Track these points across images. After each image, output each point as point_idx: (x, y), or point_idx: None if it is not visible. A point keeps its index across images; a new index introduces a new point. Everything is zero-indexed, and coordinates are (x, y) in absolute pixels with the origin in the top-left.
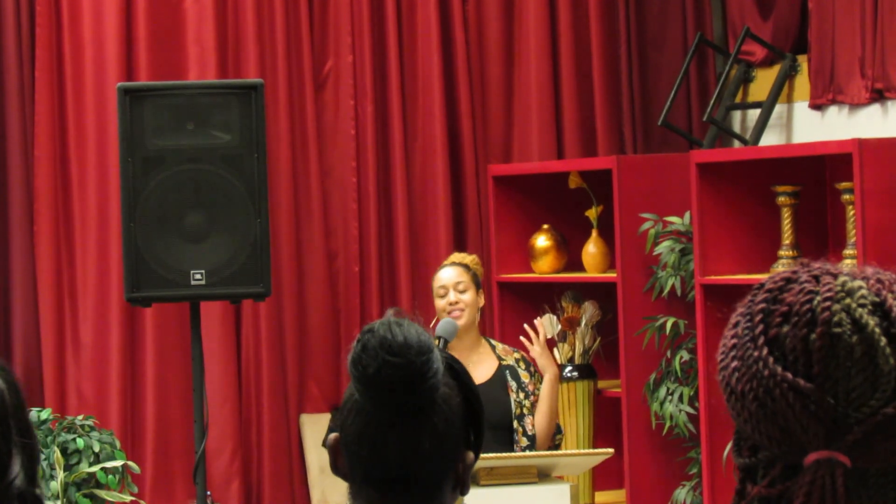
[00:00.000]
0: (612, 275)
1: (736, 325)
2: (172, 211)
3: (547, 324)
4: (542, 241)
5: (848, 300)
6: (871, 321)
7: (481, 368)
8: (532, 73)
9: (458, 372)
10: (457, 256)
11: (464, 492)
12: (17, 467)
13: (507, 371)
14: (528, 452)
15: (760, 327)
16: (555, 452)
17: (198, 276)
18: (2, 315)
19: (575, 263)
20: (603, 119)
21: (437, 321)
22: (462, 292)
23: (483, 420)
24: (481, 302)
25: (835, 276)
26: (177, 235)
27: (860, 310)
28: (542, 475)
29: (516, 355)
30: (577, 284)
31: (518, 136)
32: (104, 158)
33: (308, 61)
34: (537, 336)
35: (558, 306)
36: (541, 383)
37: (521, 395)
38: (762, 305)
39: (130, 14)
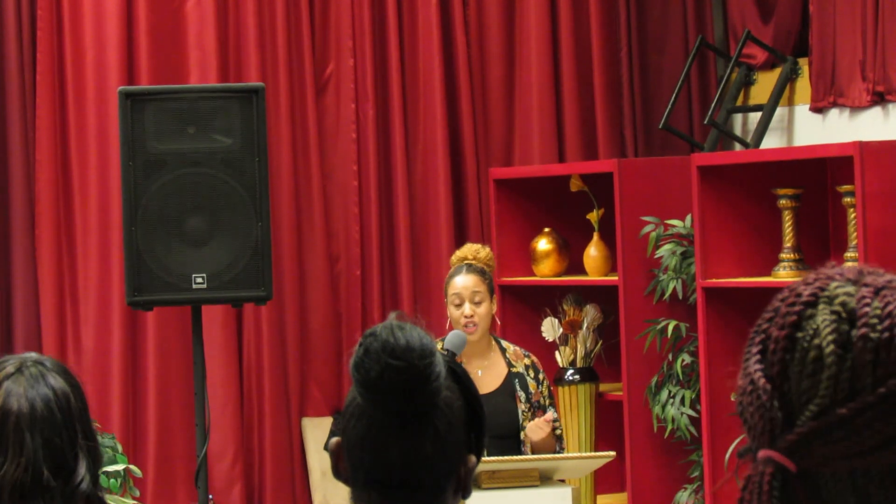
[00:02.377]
0: (613, 278)
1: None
2: (174, 214)
3: (548, 327)
4: (543, 244)
5: (822, 306)
6: (829, 328)
7: (490, 376)
8: (533, 77)
9: (459, 375)
10: (470, 251)
11: (466, 495)
12: (83, 470)
13: (516, 380)
14: (530, 455)
15: (762, 325)
16: (556, 455)
17: (199, 280)
18: (3, 318)
19: (576, 267)
20: (604, 122)
21: (450, 326)
22: (478, 304)
23: (485, 423)
24: (495, 309)
25: (830, 280)
26: (178, 239)
27: (827, 316)
28: (544, 478)
29: (527, 361)
30: (578, 287)
31: (519, 140)
32: (105, 162)
33: (309, 65)
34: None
35: (560, 309)
36: (547, 391)
37: (528, 406)
38: (776, 303)
39: (131, 18)
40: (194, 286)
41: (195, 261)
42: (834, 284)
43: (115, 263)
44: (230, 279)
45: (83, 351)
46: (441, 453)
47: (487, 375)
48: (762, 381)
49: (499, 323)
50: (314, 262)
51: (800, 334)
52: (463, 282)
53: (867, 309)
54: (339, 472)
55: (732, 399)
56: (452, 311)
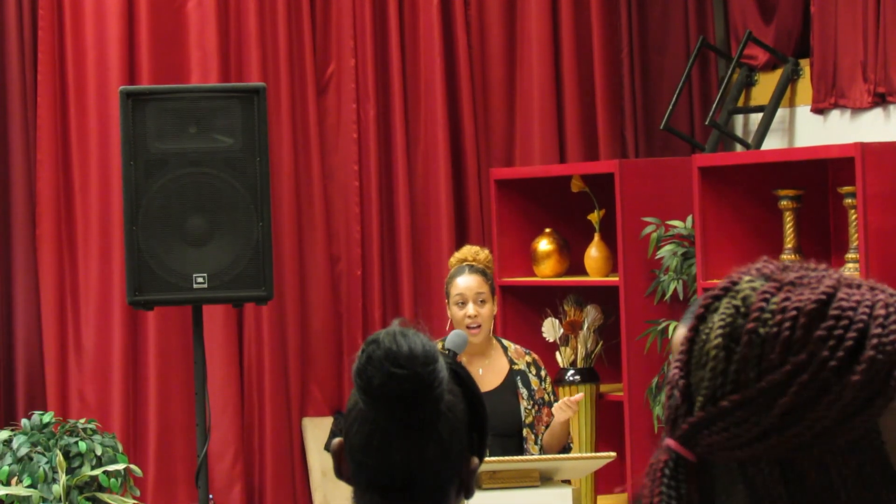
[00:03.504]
0: (614, 278)
1: None
2: (175, 214)
3: (549, 328)
4: (544, 244)
5: (725, 300)
6: (721, 322)
7: (492, 374)
8: (534, 77)
9: (462, 378)
10: (470, 252)
11: (468, 496)
12: None
13: (518, 377)
14: (530, 456)
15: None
16: (557, 456)
17: (200, 280)
18: (4, 318)
19: (577, 267)
20: (605, 123)
21: (451, 326)
22: (482, 304)
23: (487, 425)
24: (496, 309)
25: (744, 275)
26: (179, 239)
27: (725, 311)
28: (545, 479)
29: (528, 358)
30: (579, 288)
31: (520, 140)
32: (106, 162)
33: (310, 65)
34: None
35: (560, 310)
36: (551, 387)
37: (531, 403)
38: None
39: (133, 18)
40: (195, 286)
41: (196, 260)
42: (746, 279)
43: (116, 263)
44: (231, 279)
45: (84, 350)
46: (444, 457)
47: (489, 373)
48: (674, 371)
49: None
50: (315, 262)
51: (701, 326)
52: (466, 282)
53: (762, 304)
54: (341, 473)
55: None
56: (455, 312)
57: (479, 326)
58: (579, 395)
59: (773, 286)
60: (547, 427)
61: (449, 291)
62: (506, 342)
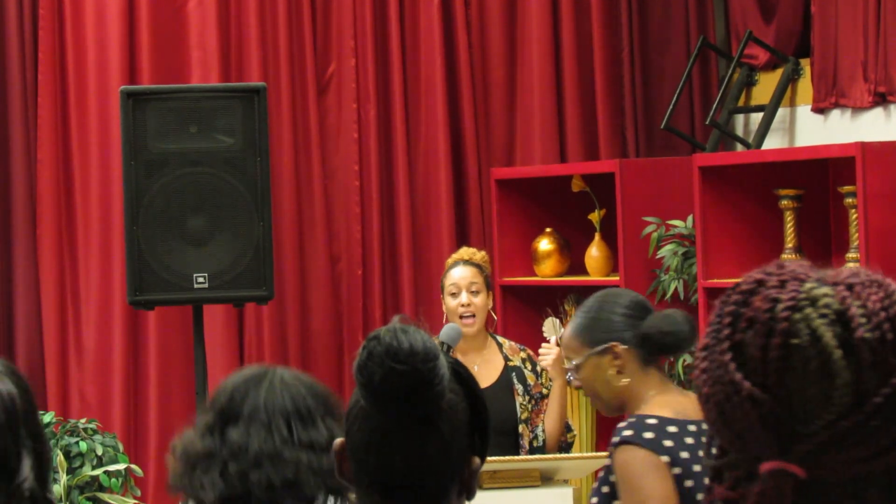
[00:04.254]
0: (614, 278)
1: (710, 324)
2: (175, 214)
3: (550, 327)
4: (544, 244)
5: (809, 309)
6: (828, 333)
7: (487, 371)
8: (535, 77)
9: (463, 377)
10: (466, 252)
11: (469, 497)
12: (27, 470)
13: (514, 373)
14: (531, 456)
15: (727, 331)
16: (557, 456)
17: (200, 280)
18: (5, 318)
19: (578, 267)
20: (605, 122)
21: (446, 320)
22: (475, 293)
23: (489, 425)
24: (490, 304)
25: (802, 282)
26: (180, 239)
27: (819, 320)
28: (545, 478)
29: (523, 354)
30: (579, 288)
31: (521, 140)
32: (107, 162)
33: (311, 65)
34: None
35: (561, 310)
36: (547, 381)
37: (527, 399)
38: (732, 308)
39: (133, 17)
40: (196, 286)
41: (196, 260)
42: (808, 286)
43: (117, 263)
44: (231, 279)
45: (84, 350)
46: (445, 456)
47: (484, 370)
48: (756, 391)
49: (495, 318)
50: (315, 261)
51: (795, 340)
52: (460, 273)
53: (855, 310)
54: (342, 473)
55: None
56: (449, 302)
57: (472, 316)
58: (554, 338)
59: (843, 290)
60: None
61: (443, 284)
62: (500, 339)
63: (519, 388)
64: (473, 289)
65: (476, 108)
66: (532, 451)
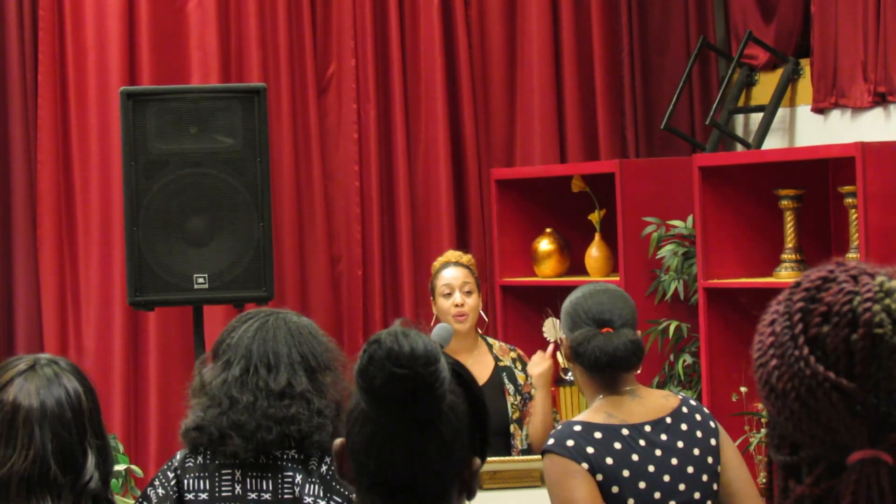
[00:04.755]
0: (614, 278)
1: (773, 322)
2: (175, 215)
3: (550, 328)
4: (544, 244)
5: (888, 300)
6: None
7: (478, 371)
8: (535, 77)
9: (464, 379)
10: (453, 255)
11: (470, 497)
12: (91, 467)
13: (504, 373)
14: (531, 456)
15: (800, 326)
16: None
17: (201, 280)
18: (5, 319)
19: (578, 267)
20: (605, 123)
21: (436, 321)
22: (468, 294)
23: (489, 426)
24: (481, 305)
25: (872, 276)
26: (180, 239)
27: None
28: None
29: (513, 354)
30: None
31: (521, 140)
32: (107, 162)
33: (311, 65)
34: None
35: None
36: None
37: (518, 399)
38: (801, 304)
39: (133, 18)
40: (196, 286)
41: (197, 261)
42: (880, 279)
43: (117, 263)
44: (231, 279)
45: (84, 351)
46: (446, 458)
47: (475, 370)
48: (843, 381)
49: (486, 320)
50: (316, 262)
51: (879, 331)
52: (452, 273)
53: None
54: (343, 474)
55: (734, 399)
56: (442, 303)
57: (465, 315)
58: (550, 347)
59: None
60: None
61: (435, 285)
62: (490, 339)
63: (510, 387)
64: (466, 289)
65: (476, 109)
66: (524, 451)
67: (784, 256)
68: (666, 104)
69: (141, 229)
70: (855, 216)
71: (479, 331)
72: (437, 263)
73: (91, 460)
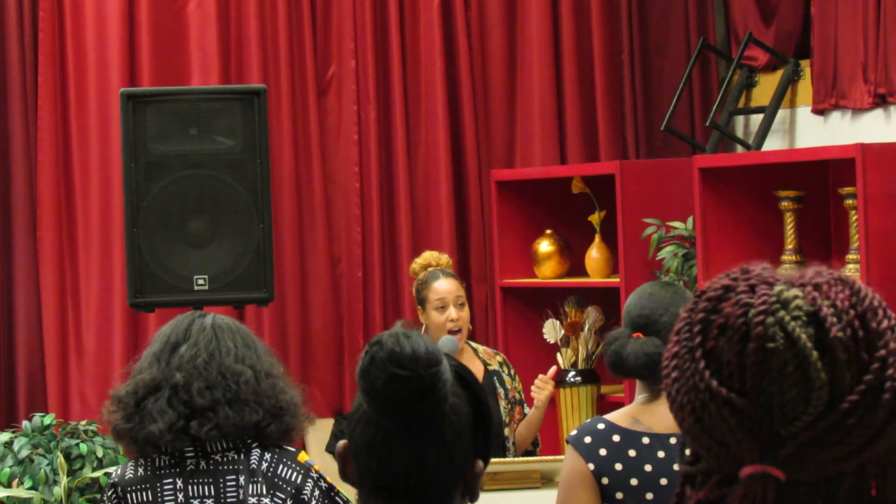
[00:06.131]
0: (615, 280)
1: (678, 332)
2: (175, 216)
3: (550, 329)
4: (545, 246)
5: (782, 312)
6: (804, 335)
7: None
8: (535, 79)
9: (467, 381)
10: (432, 257)
11: (473, 499)
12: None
13: (495, 377)
14: (531, 458)
15: (698, 339)
16: (558, 457)
17: (201, 282)
18: (5, 320)
19: (578, 268)
20: (606, 124)
21: (425, 331)
22: (461, 306)
23: (492, 428)
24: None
25: (771, 286)
26: (180, 241)
27: (793, 322)
28: (546, 480)
29: (499, 358)
30: (580, 289)
31: (521, 142)
32: (107, 164)
33: (311, 66)
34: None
35: (561, 311)
36: (520, 387)
37: (506, 402)
38: (701, 315)
39: (133, 19)
40: (196, 288)
41: (197, 262)
42: (778, 289)
43: (117, 265)
44: (232, 281)
45: (84, 352)
46: (448, 460)
47: None
48: (734, 396)
49: (471, 328)
50: (316, 263)
51: (771, 345)
52: (446, 286)
53: (826, 310)
54: (346, 476)
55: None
56: (436, 316)
57: (460, 330)
58: (552, 370)
59: (811, 290)
60: (518, 425)
61: (426, 297)
62: (474, 344)
63: (501, 391)
64: (460, 302)
65: (476, 110)
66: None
67: (784, 258)
68: (666, 105)
69: (141, 230)
70: (855, 217)
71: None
72: (418, 268)
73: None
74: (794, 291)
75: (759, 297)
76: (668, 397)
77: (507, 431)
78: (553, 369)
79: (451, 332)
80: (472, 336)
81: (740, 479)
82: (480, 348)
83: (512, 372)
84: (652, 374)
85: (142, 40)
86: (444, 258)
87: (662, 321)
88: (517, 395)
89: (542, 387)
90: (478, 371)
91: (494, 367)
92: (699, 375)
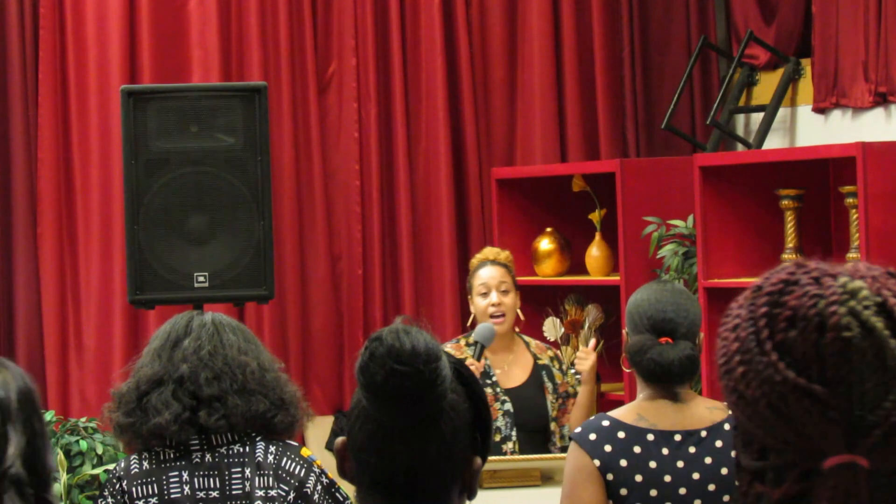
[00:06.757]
0: (615, 278)
1: (735, 328)
2: (176, 213)
3: (550, 327)
4: (545, 244)
5: (853, 302)
6: (879, 323)
7: (517, 369)
8: (535, 76)
9: (465, 378)
10: (491, 252)
11: (471, 496)
12: (14, 456)
13: (543, 371)
14: (530, 455)
15: (766, 332)
16: (558, 455)
17: (201, 279)
18: (5, 317)
19: (578, 266)
20: (606, 122)
21: (474, 320)
22: (505, 293)
23: (491, 425)
24: (519, 303)
25: (834, 277)
26: (180, 238)
27: (866, 312)
28: (545, 478)
29: (550, 353)
30: (580, 287)
31: (521, 139)
32: (107, 161)
33: (311, 64)
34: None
35: (561, 309)
36: (574, 380)
37: (555, 397)
38: (764, 309)
39: (134, 16)
40: (196, 285)
41: (197, 259)
42: (843, 280)
43: (117, 262)
44: (232, 278)
45: (84, 349)
46: (446, 456)
47: (515, 369)
48: (816, 387)
49: (522, 318)
50: (316, 261)
51: (847, 334)
52: (490, 272)
53: (892, 299)
54: (344, 472)
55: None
56: (479, 302)
57: (503, 315)
58: (592, 342)
59: (871, 281)
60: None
61: (472, 284)
62: (527, 338)
63: (549, 386)
64: (503, 288)
65: (477, 108)
66: (563, 449)
67: (784, 256)
68: (667, 104)
69: (141, 228)
70: (855, 216)
71: (517, 329)
72: (474, 261)
73: (14, 449)
74: (859, 282)
75: (828, 289)
76: (733, 393)
77: (552, 426)
78: (593, 341)
79: (493, 316)
80: (522, 329)
81: (825, 470)
82: (533, 342)
83: (564, 367)
84: (692, 376)
85: (142, 37)
86: (504, 254)
87: (687, 322)
88: (570, 389)
89: (584, 357)
90: (527, 364)
91: (545, 361)
92: (773, 368)
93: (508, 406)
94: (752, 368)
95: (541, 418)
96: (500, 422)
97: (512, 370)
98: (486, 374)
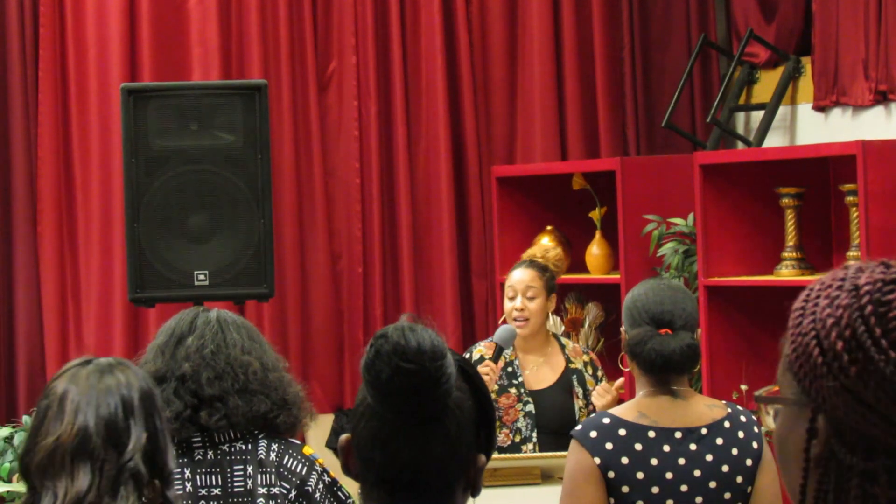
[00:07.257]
0: (615, 276)
1: (835, 325)
2: (176, 211)
3: (550, 325)
4: (545, 242)
5: None
6: None
7: (547, 371)
8: (536, 75)
9: (470, 375)
10: (540, 249)
11: (475, 494)
12: (133, 450)
13: (574, 375)
14: (531, 454)
15: (878, 331)
16: (558, 454)
17: (201, 277)
18: (5, 315)
19: (578, 265)
20: (606, 120)
21: (503, 321)
22: (530, 299)
23: (495, 423)
24: (552, 307)
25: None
26: (180, 236)
27: None
28: (546, 476)
29: (585, 357)
30: (580, 286)
31: (521, 138)
32: (108, 159)
33: (312, 62)
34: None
35: (561, 307)
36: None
37: (584, 402)
38: (871, 308)
39: (134, 15)
40: (196, 283)
41: (197, 258)
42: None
43: (118, 260)
44: (232, 276)
45: (85, 348)
46: (451, 454)
47: (544, 370)
48: None
49: (551, 321)
50: (316, 259)
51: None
52: (519, 276)
53: None
54: (348, 470)
55: (735, 397)
56: (506, 304)
57: (526, 320)
58: (619, 381)
59: None
60: None
61: (505, 284)
62: (564, 340)
63: (579, 391)
64: (529, 294)
65: (477, 106)
66: None
67: (785, 254)
68: (667, 102)
69: (142, 226)
70: (856, 214)
71: (553, 331)
72: (523, 256)
73: (134, 443)
74: None
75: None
76: (843, 393)
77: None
78: (620, 380)
79: (515, 320)
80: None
81: None
82: (570, 345)
83: (599, 374)
84: (692, 366)
85: (142, 35)
86: (553, 252)
87: (685, 314)
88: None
89: (601, 394)
90: (558, 366)
91: (577, 365)
92: (893, 365)
93: (531, 407)
94: (870, 368)
95: (567, 421)
96: (521, 423)
97: (541, 371)
98: (514, 374)
